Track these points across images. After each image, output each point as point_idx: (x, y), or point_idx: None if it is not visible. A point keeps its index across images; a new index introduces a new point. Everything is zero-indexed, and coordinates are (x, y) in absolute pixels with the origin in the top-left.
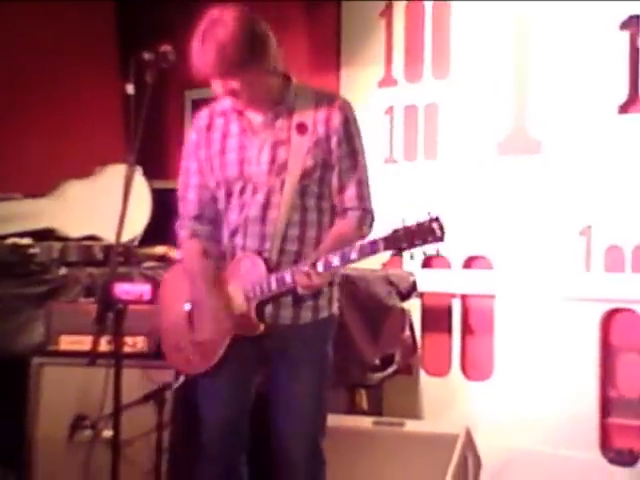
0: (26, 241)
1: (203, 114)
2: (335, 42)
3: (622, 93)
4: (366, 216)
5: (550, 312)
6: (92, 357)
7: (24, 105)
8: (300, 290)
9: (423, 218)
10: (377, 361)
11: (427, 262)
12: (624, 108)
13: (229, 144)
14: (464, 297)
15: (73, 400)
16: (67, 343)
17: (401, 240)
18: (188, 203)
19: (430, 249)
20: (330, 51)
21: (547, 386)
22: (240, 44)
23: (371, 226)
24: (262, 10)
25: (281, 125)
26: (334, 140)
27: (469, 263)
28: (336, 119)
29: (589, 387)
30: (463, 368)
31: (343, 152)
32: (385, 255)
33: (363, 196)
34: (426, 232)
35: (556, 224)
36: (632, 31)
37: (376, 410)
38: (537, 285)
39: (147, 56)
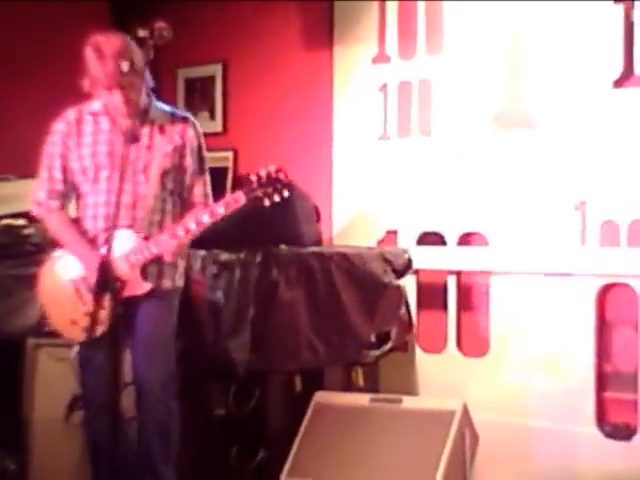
0: (20, 222)
1: (72, 111)
2: (328, 19)
3: (617, 67)
4: None
5: (546, 287)
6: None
7: (16, 85)
8: (166, 257)
9: (268, 170)
10: (373, 338)
11: (422, 239)
12: (619, 82)
13: (100, 138)
14: (459, 274)
15: (69, 381)
16: None
17: (256, 190)
18: (55, 182)
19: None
20: (323, 28)
21: (543, 361)
22: (136, 58)
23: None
24: None
25: (146, 132)
26: (188, 148)
27: (464, 239)
28: (190, 132)
29: (585, 362)
30: (459, 344)
31: (195, 158)
32: (380, 233)
33: (207, 194)
34: (274, 180)
35: (551, 199)
36: (627, 5)
37: (373, 387)
38: (533, 260)
39: (141, 33)
